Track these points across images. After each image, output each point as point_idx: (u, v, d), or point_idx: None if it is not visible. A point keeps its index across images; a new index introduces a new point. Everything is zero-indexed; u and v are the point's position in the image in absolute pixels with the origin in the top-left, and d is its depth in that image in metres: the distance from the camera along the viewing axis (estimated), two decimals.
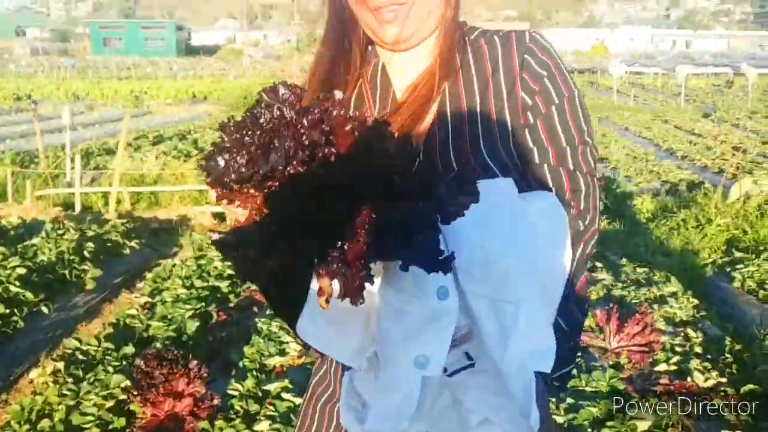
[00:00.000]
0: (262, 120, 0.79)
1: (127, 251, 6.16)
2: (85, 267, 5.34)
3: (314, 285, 0.93)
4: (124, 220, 6.85)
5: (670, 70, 33.24)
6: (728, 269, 5.56)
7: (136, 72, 41.17)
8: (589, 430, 2.97)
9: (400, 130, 1.12)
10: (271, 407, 3.12)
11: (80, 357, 3.76)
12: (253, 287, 4.47)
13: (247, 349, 3.81)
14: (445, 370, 0.98)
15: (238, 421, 3.04)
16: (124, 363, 3.58)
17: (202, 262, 5.40)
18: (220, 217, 7.69)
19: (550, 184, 1.14)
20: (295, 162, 0.76)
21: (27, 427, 3.04)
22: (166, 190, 8.42)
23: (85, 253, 5.54)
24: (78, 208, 7.90)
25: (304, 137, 0.77)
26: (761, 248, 5.97)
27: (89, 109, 22.23)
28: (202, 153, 11.32)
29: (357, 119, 0.79)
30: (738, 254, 5.82)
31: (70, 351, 3.85)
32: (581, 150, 1.16)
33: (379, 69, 1.23)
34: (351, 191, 0.75)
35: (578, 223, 1.12)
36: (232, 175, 0.77)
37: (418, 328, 0.93)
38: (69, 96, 25.66)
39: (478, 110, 1.16)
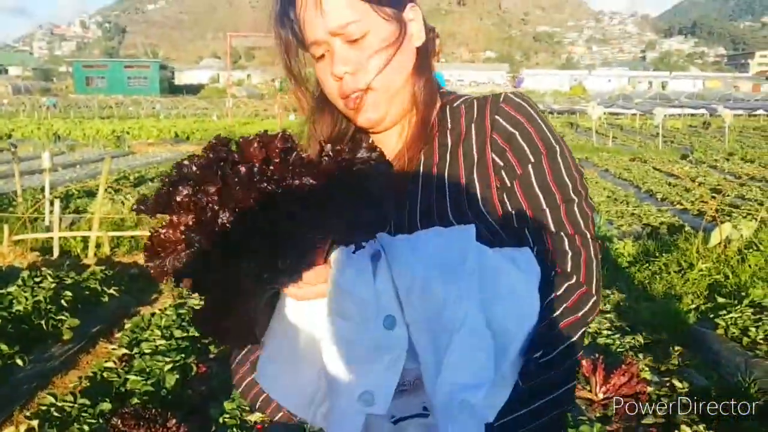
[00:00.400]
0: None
1: (106, 299, 6.05)
2: (62, 316, 5.22)
3: (273, 324, 1.01)
4: (104, 267, 6.74)
5: (647, 111, 33.82)
6: (711, 315, 5.56)
7: (118, 111, 41.20)
8: None
9: None
10: None
11: (55, 414, 3.65)
12: None
13: (227, 404, 3.72)
14: (393, 416, 0.96)
15: None
16: (100, 420, 3.48)
17: (182, 311, 5.31)
18: None
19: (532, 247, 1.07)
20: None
21: None
22: (146, 234, 8.32)
23: (63, 301, 5.43)
24: (56, 252, 7.78)
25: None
26: (743, 293, 5.99)
27: (70, 150, 22.13)
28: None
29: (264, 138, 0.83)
30: (721, 300, 5.83)
31: (45, 407, 3.74)
32: (565, 209, 1.09)
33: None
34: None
35: (560, 279, 1.05)
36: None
37: (364, 359, 0.92)
38: (50, 136, 25.56)
39: (446, 177, 1.15)
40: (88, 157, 19.84)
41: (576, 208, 1.10)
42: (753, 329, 5.06)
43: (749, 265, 6.71)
